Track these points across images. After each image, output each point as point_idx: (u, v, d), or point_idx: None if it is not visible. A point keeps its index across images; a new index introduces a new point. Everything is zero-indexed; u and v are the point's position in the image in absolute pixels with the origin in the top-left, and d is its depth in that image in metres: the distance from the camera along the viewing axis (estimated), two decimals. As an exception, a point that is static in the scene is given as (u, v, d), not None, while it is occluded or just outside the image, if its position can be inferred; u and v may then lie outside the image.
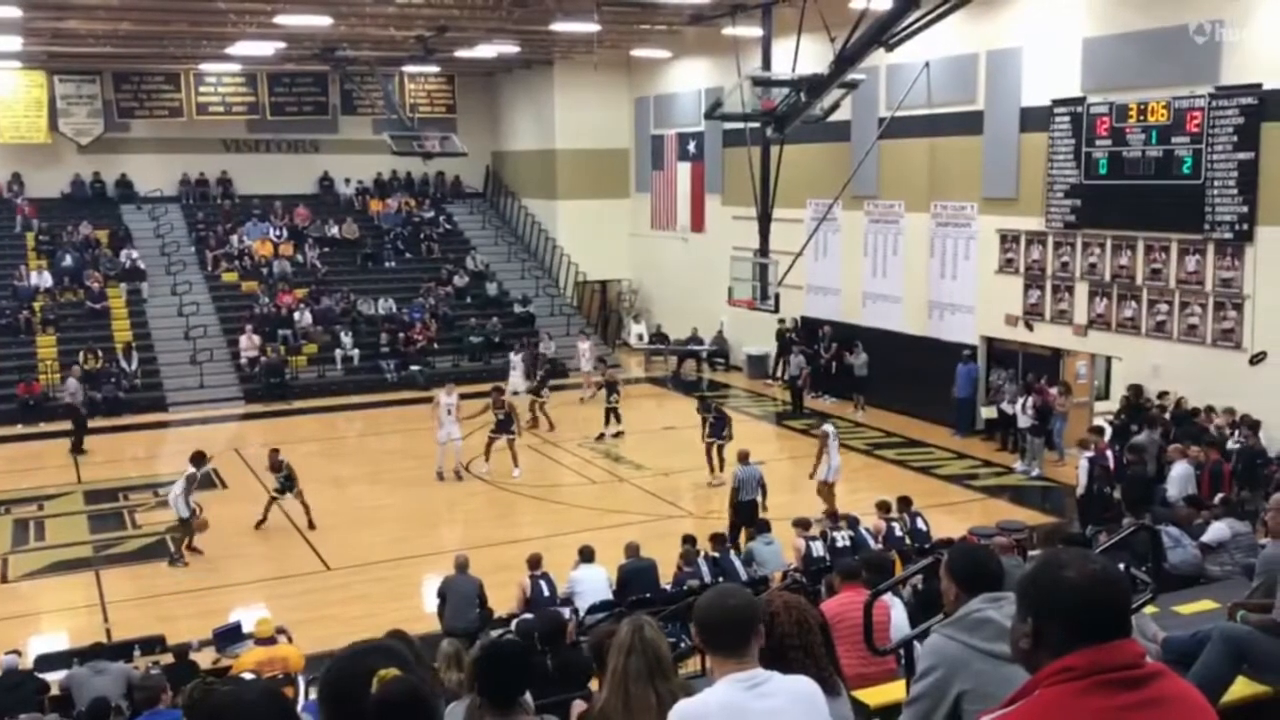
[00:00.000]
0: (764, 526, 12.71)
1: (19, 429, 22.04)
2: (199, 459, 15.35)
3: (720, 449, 17.19)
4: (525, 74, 30.90)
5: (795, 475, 18.68)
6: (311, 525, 15.59)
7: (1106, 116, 17.34)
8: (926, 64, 19.89)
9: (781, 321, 23.80)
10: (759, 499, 14.28)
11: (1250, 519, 10.71)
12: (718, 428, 17.43)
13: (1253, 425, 14.73)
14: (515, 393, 21.50)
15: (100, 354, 23.81)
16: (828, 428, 16.01)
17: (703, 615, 3.17)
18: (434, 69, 29.33)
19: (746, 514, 14.02)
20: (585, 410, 23.56)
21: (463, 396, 19.17)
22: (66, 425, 20.77)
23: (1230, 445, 14.48)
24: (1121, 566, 5.94)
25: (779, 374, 24.51)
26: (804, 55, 18.08)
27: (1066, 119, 17.96)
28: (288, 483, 15.64)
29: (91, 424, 20.98)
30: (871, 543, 12.34)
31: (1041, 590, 2.19)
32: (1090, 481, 14.10)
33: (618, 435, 20.54)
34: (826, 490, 15.33)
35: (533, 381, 22.44)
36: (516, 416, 18.72)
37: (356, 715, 2.28)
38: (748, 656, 3.10)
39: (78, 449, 20.20)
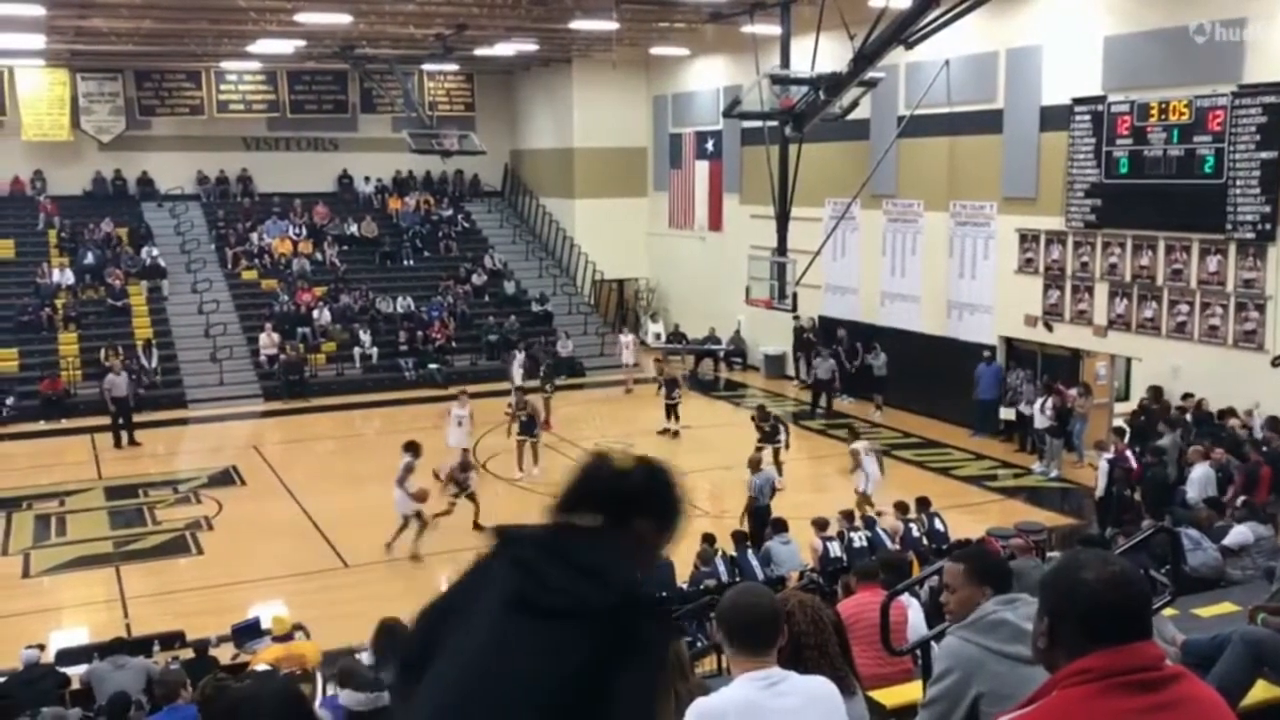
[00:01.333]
0: (781, 526, 12.67)
1: (41, 425, 22.21)
2: (413, 448, 14.60)
3: (775, 454, 17.15)
4: (544, 72, 30.94)
5: (814, 476, 18.69)
6: (478, 526, 15.15)
7: (1127, 115, 17.23)
8: (946, 62, 19.81)
9: (797, 318, 23.72)
10: (770, 503, 14.29)
11: (1272, 523, 10.64)
12: (772, 435, 17.41)
13: (1276, 428, 14.60)
14: (517, 387, 21.59)
15: (121, 351, 23.94)
16: (858, 445, 15.94)
17: (725, 613, 3.18)
18: (453, 67, 29.39)
19: (762, 519, 14.01)
20: (602, 408, 23.62)
21: (477, 395, 19.23)
22: (106, 420, 21.09)
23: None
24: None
25: (809, 375, 24.05)
26: (823, 53, 18.04)
27: (1087, 118, 17.85)
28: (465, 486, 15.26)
29: (110, 421, 21.10)
30: (889, 543, 12.32)
31: (1058, 591, 2.19)
32: (1110, 483, 14.04)
33: (676, 434, 20.53)
34: (863, 500, 15.19)
35: (534, 380, 22.45)
36: (539, 417, 18.73)
37: (603, 481, 2.29)
38: (767, 656, 3.10)
39: (123, 442, 20.72)
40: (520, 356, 23.80)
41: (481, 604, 2.11)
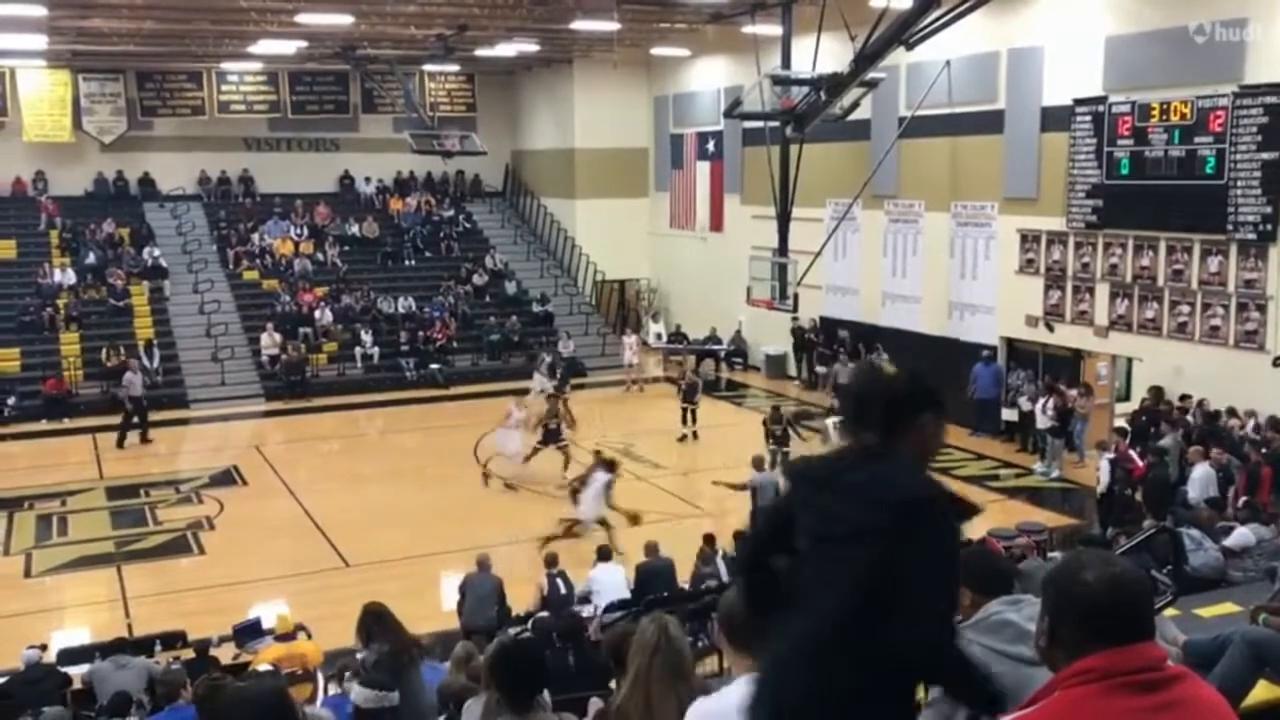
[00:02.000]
0: None
1: (43, 425, 22.22)
2: (611, 465, 15.01)
3: (785, 459, 17.22)
4: (545, 73, 30.95)
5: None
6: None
7: (1129, 116, 17.23)
8: (947, 63, 19.79)
9: (796, 319, 23.72)
10: None
11: (1275, 524, 10.64)
12: (784, 439, 17.47)
13: (1277, 428, 14.60)
14: (542, 390, 21.57)
15: (123, 351, 23.97)
16: (828, 422, 16.79)
17: (730, 612, 3.17)
18: (454, 68, 29.40)
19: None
20: (604, 408, 23.59)
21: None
22: (110, 419, 21.24)
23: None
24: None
25: (818, 379, 24.03)
26: (824, 54, 18.04)
27: (1088, 118, 17.85)
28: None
29: (111, 421, 21.14)
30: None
31: (1059, 591, 2.20)
32: (1111, 483, 14.04)
33: (693, 437, 20.44)
34: None
35: (554, 380, 22.46)
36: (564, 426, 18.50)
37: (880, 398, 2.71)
38: (769, 656, 3.10)
39: (144, 439, 20.84)
40: (547, 360, 23.70)
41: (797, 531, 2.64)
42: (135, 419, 20.92)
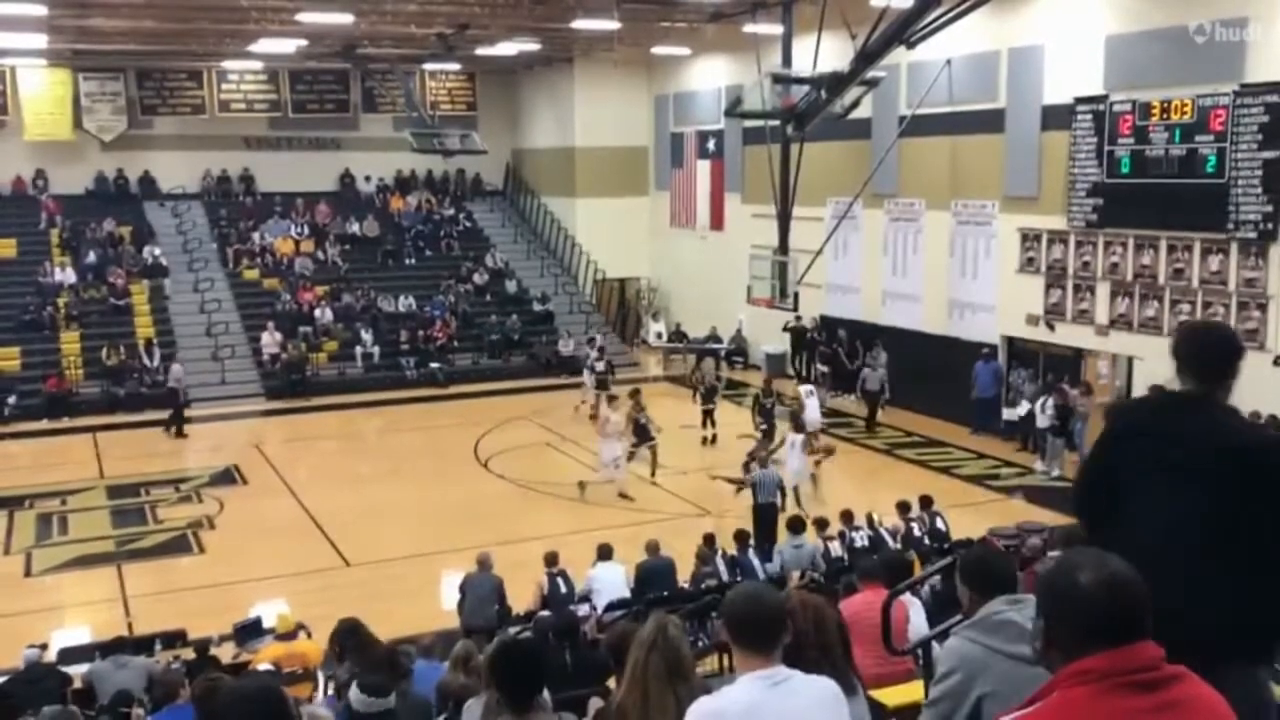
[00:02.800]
0: (798, 527, 12.44)
1: (44, 424, 22.22)
2: (800, 426, 16.41)
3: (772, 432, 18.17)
4: (545, 71, 30.94)
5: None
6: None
7: (1129, 115, 17.22)
8: (948, 62, 19.79)
9: (799, 318, 23.69)
10: (777, 501, 14.24)
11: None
12: (769, 414, 18.25)
13: (1277, 428, 14.60)
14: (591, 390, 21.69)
15: (123, 350, 23.97)
16: (803, 388, 18.81)
17: (737, 611, 3.16)
18: (455, 66, 29.42)
19: (766, 516, 13.97)
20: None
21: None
22: (160, 414, 21.75)
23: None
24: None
25: (827, 379, 23.85)
26: (825, 53, 18.02)
27: (1089, 117, 17.84)
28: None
29: (112, 420, 21.19)
30: (890, 543, 12.31)
31: (1054, 592, 2.20)
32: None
33: (714, 438, 20.21)
34: (812, 438, 17.44)
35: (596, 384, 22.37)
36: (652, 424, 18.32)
37: None
38: (772, 655, 3.10)
39: (179, 433, 21.39)
40: (593, 355, 23.54)
41: (1144, 470, 2.95)
42: (175, 412, 21.33)
